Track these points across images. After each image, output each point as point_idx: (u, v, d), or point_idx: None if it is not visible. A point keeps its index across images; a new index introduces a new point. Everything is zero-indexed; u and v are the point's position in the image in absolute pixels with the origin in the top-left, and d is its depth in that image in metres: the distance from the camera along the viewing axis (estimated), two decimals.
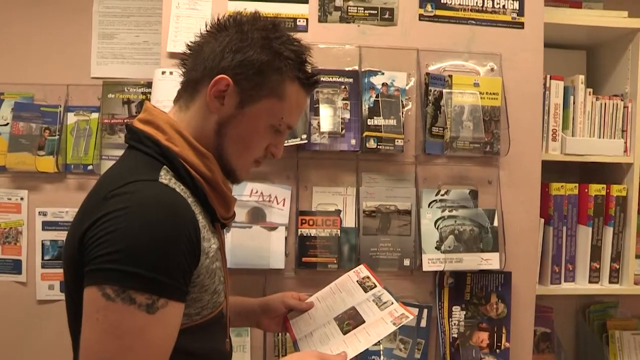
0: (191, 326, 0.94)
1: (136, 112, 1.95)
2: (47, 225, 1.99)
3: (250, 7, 1.55)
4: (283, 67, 1.00)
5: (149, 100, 1.78)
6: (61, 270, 1.92)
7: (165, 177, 0.93)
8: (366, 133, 1.55)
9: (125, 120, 0.95)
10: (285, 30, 1.05)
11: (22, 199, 1.99)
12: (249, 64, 0.97)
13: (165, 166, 0.94)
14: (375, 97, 1.57)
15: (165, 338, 0.87)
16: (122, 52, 2.02)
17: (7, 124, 1.96)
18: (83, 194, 1.97)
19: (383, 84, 1.58)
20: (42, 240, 1.99)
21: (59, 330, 1.99)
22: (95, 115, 1.98)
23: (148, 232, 0.84)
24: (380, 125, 1.56)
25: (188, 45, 1.05)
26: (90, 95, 1.99)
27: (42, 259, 1.99)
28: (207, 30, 1.03)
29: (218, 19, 1.04)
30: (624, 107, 1.89)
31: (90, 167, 1.96)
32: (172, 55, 1.56)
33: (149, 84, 1.89)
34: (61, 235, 1.99)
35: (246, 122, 1.01)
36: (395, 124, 1.57)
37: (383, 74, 1.58)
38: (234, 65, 0.97)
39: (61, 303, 1.96)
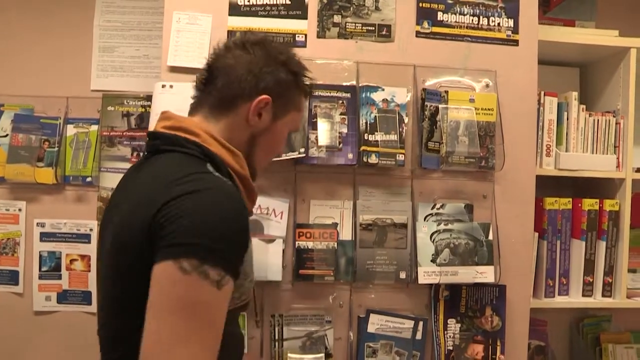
0: (231, 310, 0.99)
1: (135, 125, 1.97)
2: (45, 237, 2.00)
3: (250, 23, 1.61)
4: (300, 84, 1.18)
5: (149, 113, 1.80)
6: (58, 282, 1.96)
7: (214, 172, 1.01)
8: (367, 148, 1.57)
9: (148, 131, 1.10)
10: (290, 48, 1.21)
11: (20, 210, 2.00)
12: (281, 84, 1.13)
13: (208, 163, 1.03)
14: (376, 113, 1.59)
15: (224, 312, 0.93)
16: (122, 65, 2.04)
17: (7, 135, 1.97)
18: (82, 206, 2.02)
19: (383, 100, 1.60)
20: (39, 251, 1.99)
21: (56, 341, 2.01)
22: (94, 127, 1.99)
23: (221, 212, 0.93)
24: (380, 141, 1.58)
25: (212, 62, 1.13)
26: (90, 107, 2.00)
27: (40, 270, 1.99)
28: (227, 49, 1.14)
29: (239, 41, 1.15)
30: (616, 123, 1.92)
31: (89, 179, 1.97)
32: (173, 69, 1.59)
33: (148, 97, 1.91)
34: (59, 247, 2.00)
35: (276, 133, 1.17)
36: (395, 138, 1.59)
37: (383, 89, 1.61)
38: (270, 86, 1.11)
39: (58, 314, 1.99)
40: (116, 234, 0.99)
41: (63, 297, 2.00)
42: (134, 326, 0.89)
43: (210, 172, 1.00)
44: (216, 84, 1.11)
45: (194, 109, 1.14)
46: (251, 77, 1.09)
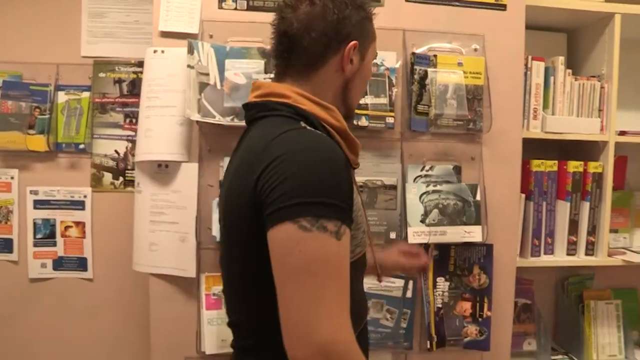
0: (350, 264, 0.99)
1: (127, 92, 1.97)
2: (38, 204, 2.00)
3: None
4: (369, 14, 1.16)
5: (141, 79, 1.80)
6: (53, 249, 1.98)
7: (307, 127, 1.02)
8: (357, 111, 1.58)
9: (243, 104, 1.13)
10: None
11: (12, 177, 1.99)
12: (358, 24, 1.11)
13: (302, 122, 1.03)
14: None
15: (348, 263, 0.94)
16: (112, 31, 2.02)
17: None
18: (75, 173, 2.02)
19: (373, 64, 1.62)
20: (33, 219, 2.00)
21: (51, 307, 2.03)
22: (86, 94, 1.98)
23: (320, 166, 0.93)
24: (370, 104, 1.60)
25: (285, 28, 1.09)
26: (81, 74, 1.99)
27: (34, 237, 2.00)
28: (294, 8, 1.09)
29: None
30: (601, 87, 1.96)
31: (81, 146, 1.98)
32: (164, 34, 1.59)
33: (140, 63, 1.91)
34: (53, 214, 2.00)
35: (365, 70, 1.17)
36: (385, 102, 1.62)
37: None
38: (351, 29, 1.10)
39: (54, 281, 2.02)
40: (226, 205, 1.07)
41: (58, 263, 2.02)
42: (256, 290, 0.98)
43: (303, 127, 1.01)
44: (299, 48, 1.09)
45: (279, 76, 1.13)
46: (332, 29, 1.08)
